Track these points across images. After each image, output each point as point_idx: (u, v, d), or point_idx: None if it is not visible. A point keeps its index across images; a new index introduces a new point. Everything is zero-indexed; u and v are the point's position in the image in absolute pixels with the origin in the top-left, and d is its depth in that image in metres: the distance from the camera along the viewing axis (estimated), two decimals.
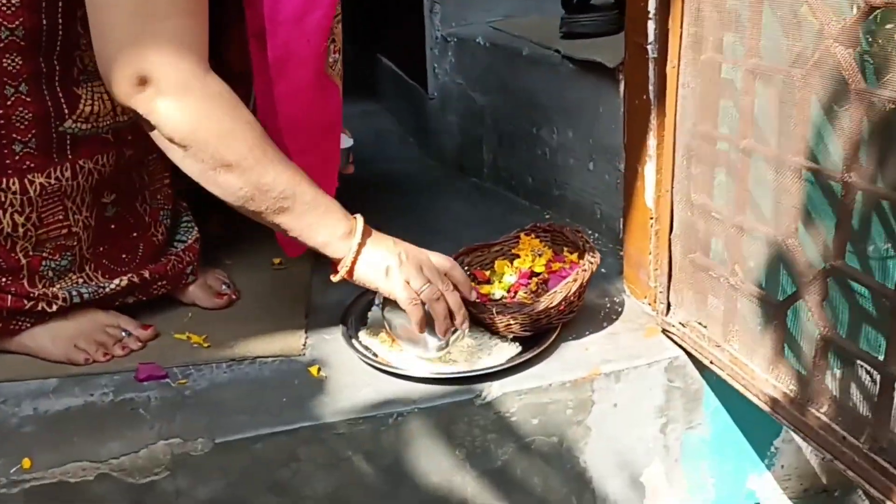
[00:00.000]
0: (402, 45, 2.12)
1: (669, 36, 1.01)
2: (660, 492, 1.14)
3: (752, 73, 0.89)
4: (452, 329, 1.04)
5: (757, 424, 1.13)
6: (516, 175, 1.65)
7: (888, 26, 0.75)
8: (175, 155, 0.94)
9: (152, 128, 0.93)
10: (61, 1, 0.97)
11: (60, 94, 1.02)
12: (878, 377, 0.77)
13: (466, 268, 1.22)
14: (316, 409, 1.01)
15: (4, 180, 1.01)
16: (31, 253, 1.07)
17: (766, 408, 0.93)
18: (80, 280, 1.12)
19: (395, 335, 1.08)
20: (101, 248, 1.14)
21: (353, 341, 1.12)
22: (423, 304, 1.01)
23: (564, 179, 1.51)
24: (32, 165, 1.02)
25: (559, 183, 1.53)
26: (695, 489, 1.15)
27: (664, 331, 1.12)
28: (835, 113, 0.79)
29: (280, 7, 1.01)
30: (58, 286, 1.10)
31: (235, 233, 1.49)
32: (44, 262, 1.08)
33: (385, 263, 1.01)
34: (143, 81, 0.89)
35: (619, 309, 1.21)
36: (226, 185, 0.94)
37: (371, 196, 1.65)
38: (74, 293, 1.11)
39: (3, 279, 1.06)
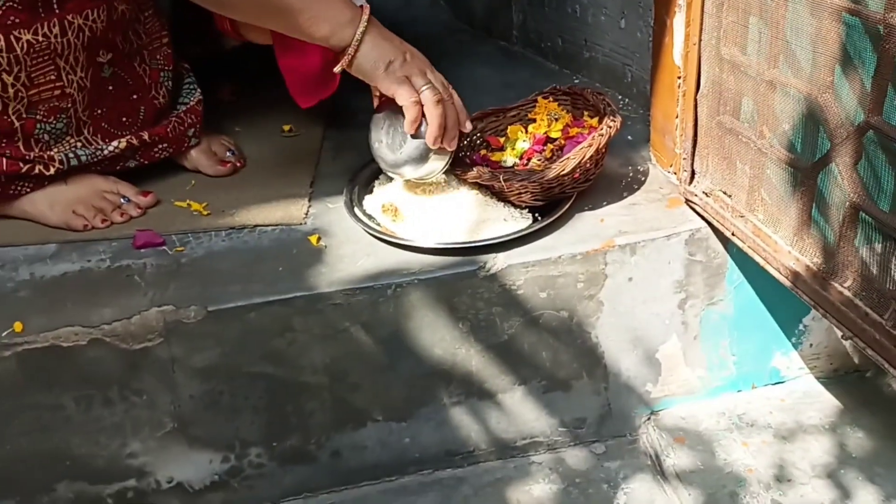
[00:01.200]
0: None
1: None
2: (677, 369, 1.09)
3: None
4: (438, 148, 1.00)
5: (784, 301, 1.06)
6: (546, 36, 1.53)
7: None
8: None
9: None
10: None
11: None
12: None
13: (478, 133, 1.15)
14: (312, 278, 0.97)
15: None
16: (24, 115, 1.03)
17: (786, 282, 0.85)
18: (79, 144, 1.09)
19: (376, 140, 1.04)
20: (100, 111, 1.10)
21: (356, 209, 1.07)
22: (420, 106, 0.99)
23: (595, 39, 1.40)
24: (17, 21, 0.97)
25: (589, 44, 1.41)
26: (714, 367, 1.10)
27: (687, 201, 1.04)
28: None
29: None
30: (55, 150, 1.07)
31: (247, 100, 1.44)
32: (38, 125, 1.05)
33: (388, 57, 0.98)
34: None
35: (643, 178, 1.13)
36: None
37: None
38: (72, 155, 1.08)
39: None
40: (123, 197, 1.10)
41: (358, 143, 1.25)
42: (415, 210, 1.04)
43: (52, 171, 1.06)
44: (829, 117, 0.77)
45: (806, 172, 0.82)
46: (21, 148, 1.04)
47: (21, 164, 1.04)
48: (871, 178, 0.74)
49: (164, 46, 1.16)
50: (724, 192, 0.97)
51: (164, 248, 1.04)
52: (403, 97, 0.98)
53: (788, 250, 0.85)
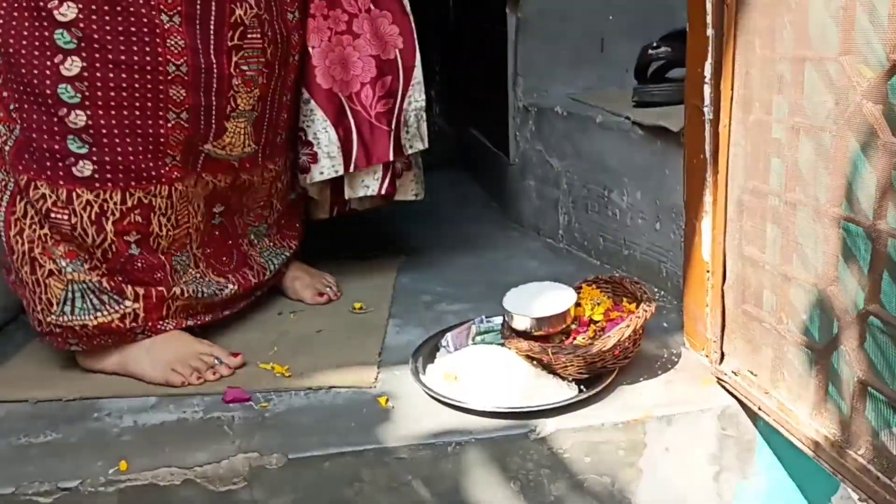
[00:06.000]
0: (488, 117, 2.24)
1: (721, 98, 1.08)
2: None
3: (794, 130, 0.95)
4: None
5: (812, 480, 1.14)
6: (589, 236, 1.72)
7: None
8: None
9: None
10: (213, 43, 1.18)
11: (214, 125, 1.23)
12: None
13: None
14: (381, 434, 1.09)
15: (158, 187, 1.21)
16: (167, 250, 1.26)
17: (809, 452, 0.95)
18: (198, 275, 1.31)
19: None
20: (209, 250, 1.34)
21: (421, 377, 1.20)
22: None
23: (633, 239, 1.57)
24: (178, 176, 1.23)
25: (628, 243, 1.59)
26: None
27: (718, 380, 1.16)
28: (865, 164, 0.84)
29: None
30: (183, 280, 1.28)
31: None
32: (174, 258, 1.28)
33: None
34: None
35: (677, 360, 1.25)
36: None
37: (449, 254, 1.77)
38: (199, 291, 1.30)
39: (157, 274, 1.25)
40: (217, 358, 1.26)
41: (419, 320, 1.42)
42: (474, 378, 1.17)
43: (179, 303, 1.28)
44: (836, 305, 0.90)
45: (820, 353, 0.94)
46: (169, 278, 1.26)
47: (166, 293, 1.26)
48: (875, 357, 0.87)
49: (260, 208, 1.43)
50: (751, 372, 1.09)
51: (251, 403, 1.17)
52: None
53: (809, 423, 0.96)
